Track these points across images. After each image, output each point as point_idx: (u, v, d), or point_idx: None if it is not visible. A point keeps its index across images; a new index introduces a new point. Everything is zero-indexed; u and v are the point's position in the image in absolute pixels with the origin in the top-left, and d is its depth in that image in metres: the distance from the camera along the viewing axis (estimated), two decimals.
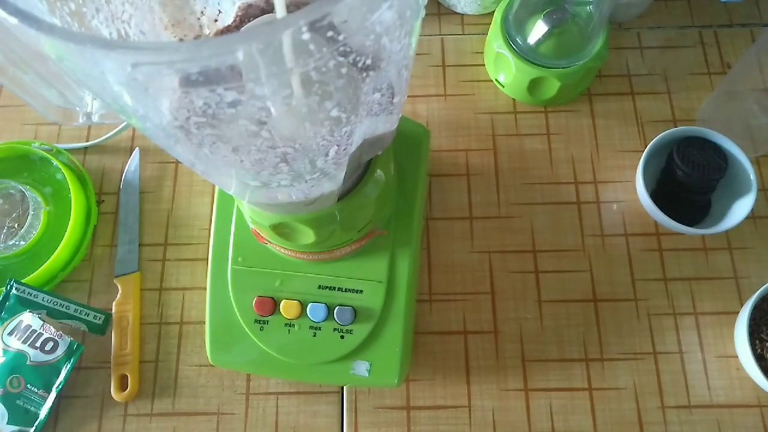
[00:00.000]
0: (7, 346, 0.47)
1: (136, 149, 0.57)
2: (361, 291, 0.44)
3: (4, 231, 0.52)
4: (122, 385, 0.49)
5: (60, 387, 0.47)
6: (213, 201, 0.54)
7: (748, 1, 0.61)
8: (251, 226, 0.44)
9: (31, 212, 0.52)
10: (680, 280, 0.52)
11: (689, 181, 0.49)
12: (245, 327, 0.44)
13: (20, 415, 0.46)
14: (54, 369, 0.47)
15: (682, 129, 0.51)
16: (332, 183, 0.32)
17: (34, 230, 0.52)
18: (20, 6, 0.17)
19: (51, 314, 0.49)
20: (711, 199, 0.52)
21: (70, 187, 0.52)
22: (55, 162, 0.53)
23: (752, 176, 0.49)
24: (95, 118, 0.51)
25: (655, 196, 0.51)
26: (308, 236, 0.39)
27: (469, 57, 0.60)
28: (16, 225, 0.52)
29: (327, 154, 0.27)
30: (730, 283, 0.51)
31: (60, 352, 0.47)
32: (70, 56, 0.18)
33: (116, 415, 0.49)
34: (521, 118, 0.57)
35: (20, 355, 0.47)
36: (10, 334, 0.47)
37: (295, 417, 0.49)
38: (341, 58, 0.21)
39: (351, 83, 0.23)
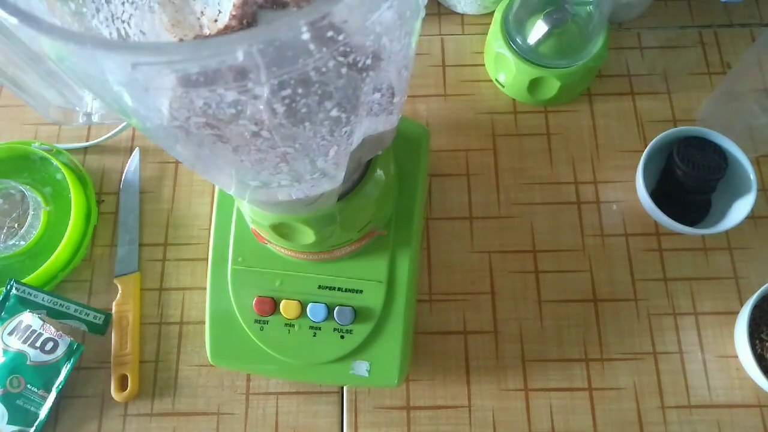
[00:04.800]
0: (7, 346, 0.47)
1: (136, 149, 0.57)
2: (361, 291, 0.44)
3: (4, 231, 0.52)
4: (122, 385, 0.49)
5: (60, 387, 0.47)
6: (213, 201, 0.54)
7: (748, 1, 0.61)
8: (251, 226, 0.44)
9: (31, 212, 0.52)
10: (680, 280, 0.52)
11: (689, 181, 0.49)
12: (245, 327, 0.44)
13: (20, 415, 0.46)
14: (54, 369, 0.47)
15: (682, 129, 0.51)
16: (332, 183, 0.32)
17: (34, 230, 0.52)
18: (20, 6, 0.17)
19: (51, 314, 0.49)
20: (711, 199, 0.52)
21: (70, 187, 0.52)
22: (55, 162, 0.53)
23: (752, 176, 0.49)
24: (95, 118, 0.51)
25: (655, 196, 0.51)
26: (308, 236, 0.39)
27: (469, 57, 0.60)
28: (16, 225, 0.52)
29: (327, 154, 0.27)
30: (730, 283, 0.51)
31: (60, 352, 0.47)
32: (70, 56, 0.18)
33: (116, 415, 0.49)
34: (521, 118, 0.57)
35: (20, 355, 0.47)
36: (10, 334, 0.47)
37: (295, 417, 0.49)
38: (341, 58, 0.21)
39: (351, 83, 0.23)
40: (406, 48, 0.25)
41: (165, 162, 0.57)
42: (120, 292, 0.52)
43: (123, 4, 0.28)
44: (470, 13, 0.61)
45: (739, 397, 0.48)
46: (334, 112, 0.24)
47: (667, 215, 0.49)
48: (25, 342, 0.47)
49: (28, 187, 0.52)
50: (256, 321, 0.44)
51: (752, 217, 0.53)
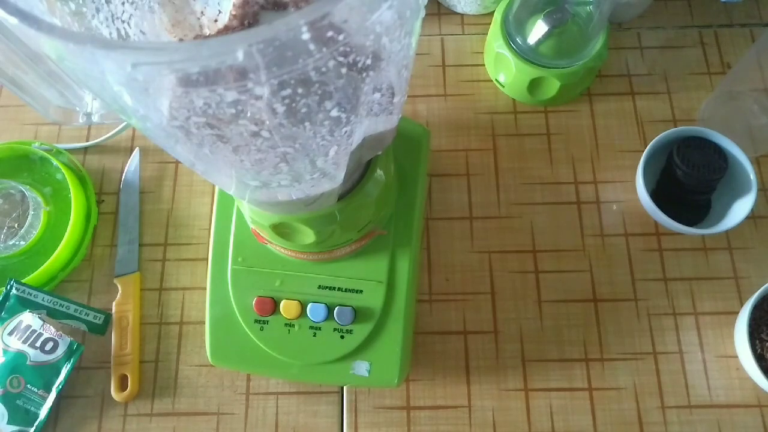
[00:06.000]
0: (7, 346, 0.47)
1: (136, 149, 0.57)
2: (361, 291, 0.44)
3: (4, 231, 0.52)
4: (122, 385, 0.49)
5: (60, 387, 0.47)
6: (213, 201, 0.54)
7: (748, 1, 0.61)
8: (251, 226, 0.44)
9: (31, 212, 0.52)
10: (680, 280, 0.52)
11: (689, 181, 0.49)
12: (245, 327, 0.44)
13: (20, 415, 0.46)
14: (54, 369, 0.47)
15: (682, 129, 0.51)
16: (332, 182, 0.32)
17: (34, 230, 0.52)
18: (20, 6, 0.17)
19: (51, 314, 0.49)
20: (711, 199, 0.52)
21: (70, 187, 0.52)
22: (55, 162, 0.53)
23: (752, 176, 0.49)
24: (95, 118, 0.51)
25: (655, 196, 0.51)
26: (308, 236, 0.39)
27: (469, 57, 0.60)
28: (16, 225, 0.52)
29: (327, 154, 0.27)
30: (730, 283, 0.51)
31: (60, 352, 0.47)
32: (70, 56, 0.18)
33: (116, 415, 0.49)
34: (521, 118, 0.57)
35: (20, 355, 0.47)
36: (10, 334, 0.47)
37: (295, 417, 0.49)
38: (341, 58, 0.21)
39: (351, 83, 0.23)
40: (406, 48, 0.25)
41: (165, 162, 0.57)
42: (120, 292, 0.52)
43: (123, 4, 0.28)
44: (470, 13, 0.61)
45: (739, 397, 0.48)
46: (334, 112, 0.24)
47: (667, 215, 0.49)
48: (25, 342, 0.47)
49: (28, 187, 0.52)
50: (256, 321, 0.44)
51: (752, 217, 0.53)
